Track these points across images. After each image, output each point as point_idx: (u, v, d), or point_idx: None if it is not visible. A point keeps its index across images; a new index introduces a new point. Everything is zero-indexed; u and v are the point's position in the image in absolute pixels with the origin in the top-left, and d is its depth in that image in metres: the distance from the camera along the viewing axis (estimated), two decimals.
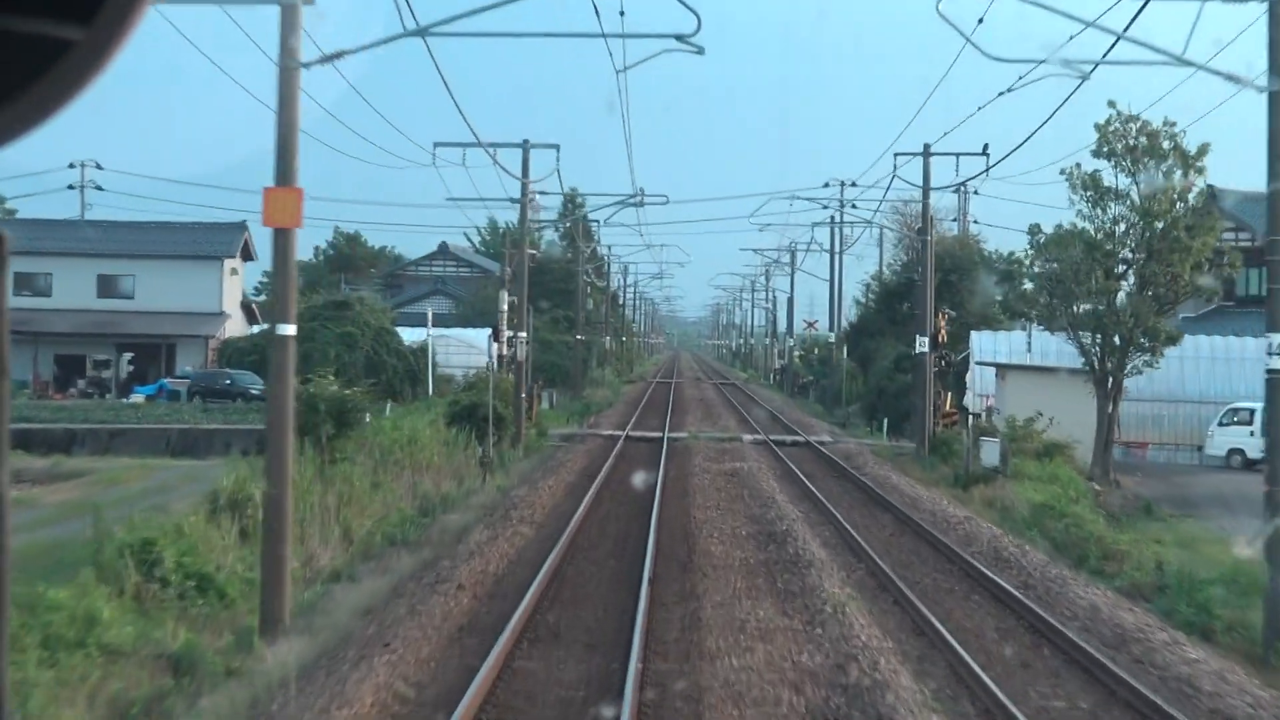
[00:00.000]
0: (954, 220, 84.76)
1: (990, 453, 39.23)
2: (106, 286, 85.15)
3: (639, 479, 37.43)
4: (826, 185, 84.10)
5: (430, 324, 58.22)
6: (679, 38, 22.95)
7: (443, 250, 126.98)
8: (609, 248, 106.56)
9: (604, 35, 26.35)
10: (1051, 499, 33.78)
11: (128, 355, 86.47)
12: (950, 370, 51.29)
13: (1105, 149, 43.13)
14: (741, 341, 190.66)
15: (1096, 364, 43.95)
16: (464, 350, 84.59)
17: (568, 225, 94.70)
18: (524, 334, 49.09)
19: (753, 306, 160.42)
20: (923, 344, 48.27)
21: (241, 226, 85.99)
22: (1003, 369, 49.67)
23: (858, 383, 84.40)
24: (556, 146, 48.18)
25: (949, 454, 45.82)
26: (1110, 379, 43.90)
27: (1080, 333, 43.84)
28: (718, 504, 31.72)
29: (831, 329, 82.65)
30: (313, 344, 78.32)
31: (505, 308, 53.05)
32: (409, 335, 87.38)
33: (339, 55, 18.68)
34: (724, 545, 25.15)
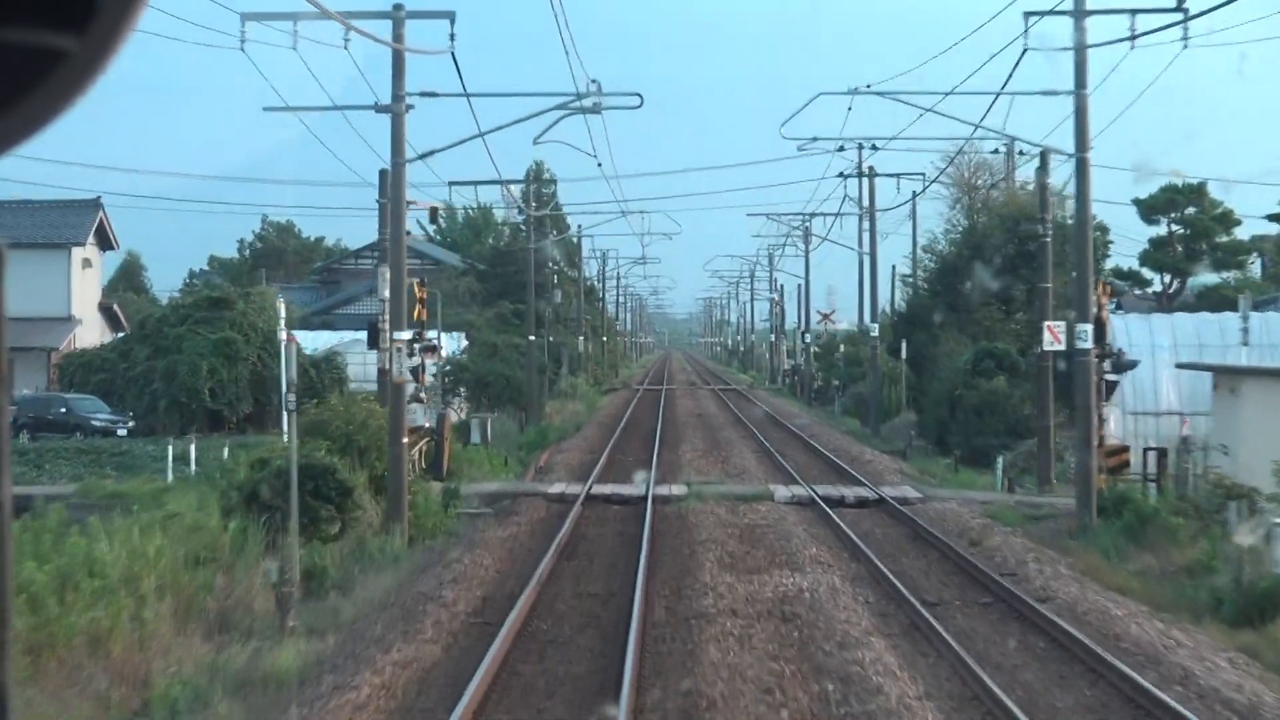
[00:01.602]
0: (999, 181, 65.22)
1: None
2: None
3: (583, 644, 17.51)
4: (842, 149, 65.93)
5: (283, 324, 38.14)
6: None
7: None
8: (579, 226, 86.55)
9: None
10: None
11: None
12: (1115, 376, 31.21)
13: None
14: (740, 338, 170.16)
15: None
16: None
17: (526, 196, 74.74)
18: (405, 334, 29.11)
19: (752, 298, 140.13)
20: (1082, 334, 28.31)
21: (94, 205, 65.98)
22: (1229, 375, 29.55)
23: (898, 388, 64.93)
24: (450, 15, 28.19)
25: (1140, 525, 25.91)
26: None
27: None
28: None
29: (869, 319, 62.81)
30: (179, 356, 58.62)
31: (387, 294, 33.19)
32: (331, 341, 68.11)
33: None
34: None
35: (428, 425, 35.17)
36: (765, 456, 43.42)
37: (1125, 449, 30.62)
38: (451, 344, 65.03)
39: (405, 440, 27.39)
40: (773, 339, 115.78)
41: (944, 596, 20.61)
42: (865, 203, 62.62)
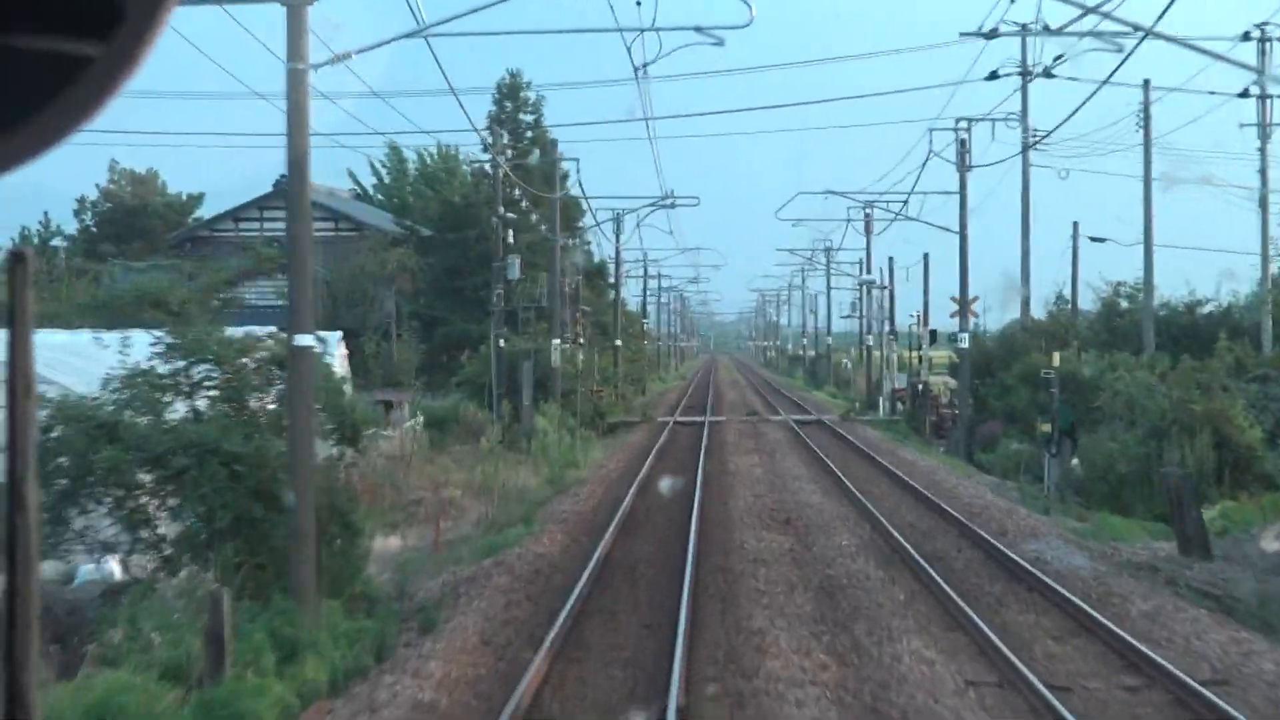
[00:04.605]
0: None
1: None
2: None
3: None
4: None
5: None
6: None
7: (280, 192, 69.83)
8: (554, 145, 49.64)
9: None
10: None
11: None
12: None
13: None
14: (805, 341, 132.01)
15: None
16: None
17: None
18: None
19: (828, 285, 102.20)
20: None
21: None
22: None
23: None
24: None
25: None
26: None
27: None
28: None
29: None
30: None
31: None
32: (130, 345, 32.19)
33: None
34: None
35: None
36: None
37: None
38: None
39: None
40: (868, 342, 78.08)
41: None
42: None
